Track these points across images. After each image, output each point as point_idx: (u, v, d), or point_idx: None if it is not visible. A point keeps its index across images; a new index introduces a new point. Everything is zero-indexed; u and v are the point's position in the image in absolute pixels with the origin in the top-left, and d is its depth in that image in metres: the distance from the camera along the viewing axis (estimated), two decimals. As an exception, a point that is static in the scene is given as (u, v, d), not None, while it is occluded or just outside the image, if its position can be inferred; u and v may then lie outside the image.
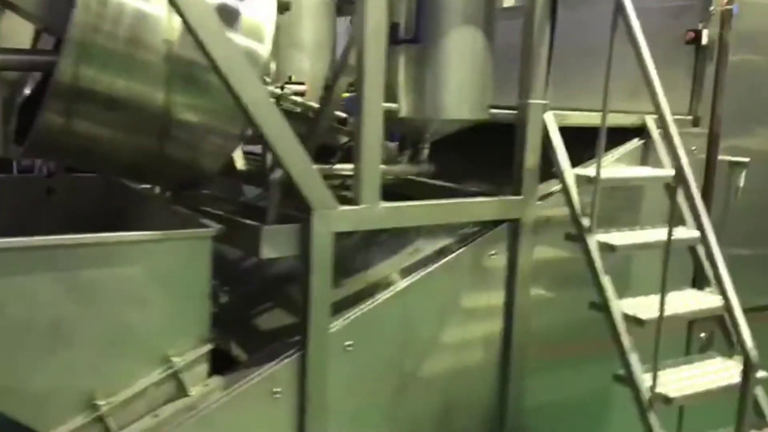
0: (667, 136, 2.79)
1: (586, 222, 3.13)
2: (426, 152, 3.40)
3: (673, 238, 2.86)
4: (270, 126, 2.61)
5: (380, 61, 2.78)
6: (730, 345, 3.34)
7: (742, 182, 3.95)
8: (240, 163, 4.17)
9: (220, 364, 2.95)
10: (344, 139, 3.98)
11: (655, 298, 3.20)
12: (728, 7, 3.80)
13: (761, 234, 4.22)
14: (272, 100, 3.36)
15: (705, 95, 3.91)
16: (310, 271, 2.77)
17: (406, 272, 3.19)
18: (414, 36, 3.03)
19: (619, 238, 3.15)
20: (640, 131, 3.71)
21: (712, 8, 3.82)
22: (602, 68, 4.32)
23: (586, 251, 3.10)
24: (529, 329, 3.38)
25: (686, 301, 3.21)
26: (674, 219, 2.77)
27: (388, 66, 3.14)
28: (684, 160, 2.72)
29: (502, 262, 3.31)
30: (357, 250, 3.60)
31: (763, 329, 4.27)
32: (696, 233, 3.36)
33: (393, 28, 3.05)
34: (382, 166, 3.13)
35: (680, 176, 2.71)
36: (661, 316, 2.82)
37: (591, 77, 4.41)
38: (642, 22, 4.23)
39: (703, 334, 4.15)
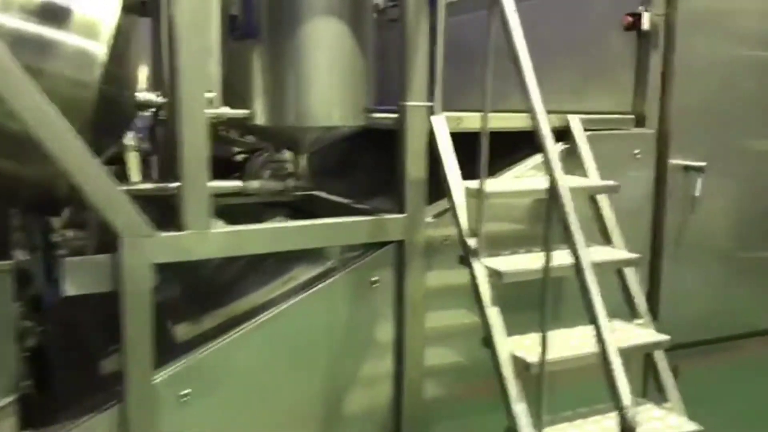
0: (540, 144, 2.26)
1: (472, 243, 2.63)
2: (301, 165, 2.96)
3: (563, 264, 2.32)
4: (53, 137, 2.22)
5: (198, 58, 2.37)
6: (660, 389, 2.78)
7: (698, 190, 3.34)
8: (135, 175, 3.83)
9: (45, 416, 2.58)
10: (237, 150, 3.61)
11: (569, 332, 2.70)
12: (670, -15, 3.24)
13: (726, 251, 3.60)
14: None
15: (651, 89, 3.34)
16: (123, 312, 2.36)
17: (270, 304, 2.75)
18: (249, 30, 2.59)
19: (510, 262, 2.63)
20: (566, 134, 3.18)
21: (654, -13, 3.26)
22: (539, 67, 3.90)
23: (472, 277, 2.60)
24: (423, 368, 2.89)
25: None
26: (549, 240, 2.24)
27: (238, 65, 2.75)
28: (558, 173, 2.19)
29: (387, 290, 2.83)
30: (230, 276, 3.19)
31: (741, 362, 3.70)
32: (615, 254, 2.84)
33: (232, 20, 2.63)
34: (226, 183, 2.72)
35: (552, 191, 2.19)
36: (543, 360, 2.29)
37: (549, 76, 3.94)
38: (578, 7, 3.75)
39: (663, 368, 3.57)
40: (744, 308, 3.69)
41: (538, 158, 3.13)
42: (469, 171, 2.78)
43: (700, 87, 3.38)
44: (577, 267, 2.10)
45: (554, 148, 2.24)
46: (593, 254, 2.80)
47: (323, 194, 3.47)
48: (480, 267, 2.59)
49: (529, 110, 2.29)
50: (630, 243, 3.30)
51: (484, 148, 2.57)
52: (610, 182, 2.94)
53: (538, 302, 3.05)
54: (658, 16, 3.26)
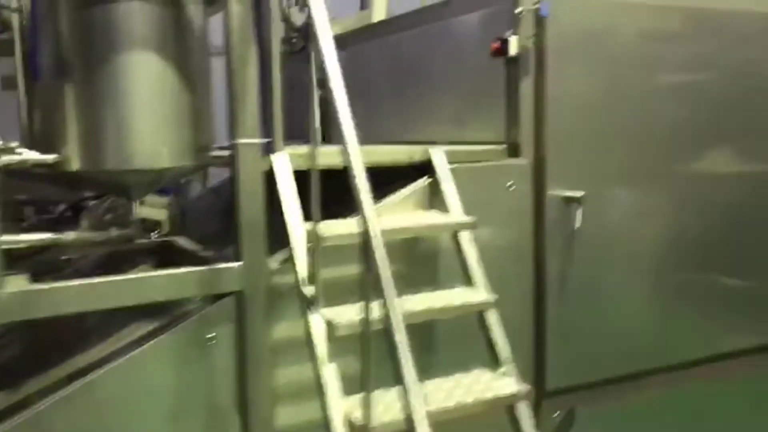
0: (352, 183, 2.03)
1: (309, 292, 2.39)
2: (132, 212, 2.71)
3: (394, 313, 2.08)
4: None
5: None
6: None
7: (578, 221, 3.14)
8: None
9: None
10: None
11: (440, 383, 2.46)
12: (534, 6, 3.06)
13: (619, 283, 3.38)
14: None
15: (525, 118, 3.15)
16: None
17: (93, 367, 2.48)
18: (36, 70, 2.36)
19: (355, 311, 2.38)
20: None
21: (519, 10, 3.08)
22: (435, 97, 3.74)
23: (307, 330, 2.35)
24: (273, 430, 2.62)
25: (454, 390, 2.42)
26: (369, 290, 2.00)
27: (47, 107, 2.50)
28: (370, 215, 1.96)
29: (226, 346, 2.57)
30: (73, 331, 2.90)
31: (643, 401, 3.47)
32: (471, 297, 2.61)
33: (30, 58, 2.40)
34: (26, 237, 2.46)
35: (365, 237, 1.96)
36: (367, 425, 2.04)
37: (432, 106, 3.79)
38: (453, 34, 3.59)
39: (557, 414, 3.34)
40: (643, 344, 3.47)
41: (402, 193, 2.93)
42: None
43: (578, 113, 3.19)
44: (386, 321, 1.86)
45: (367, 188, 2.01)
46: (451, 298, 2.61)
47: (182, 241, 3.24)
48: (315, 318, 2.35)
49: (342, 146, 2.07)
50: (510, 281, 3.11)
51: (314, 187, 2.34)
52: (467, 218, 2.73)
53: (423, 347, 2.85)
54: (527, 39, 3.08)
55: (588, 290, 3.29)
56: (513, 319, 3.09)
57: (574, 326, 3.27)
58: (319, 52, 2.17)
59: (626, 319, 3.42)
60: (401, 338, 1.83)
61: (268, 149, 2.63)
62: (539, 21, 3.09)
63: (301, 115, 5.00)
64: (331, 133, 4.87)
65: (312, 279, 2.41)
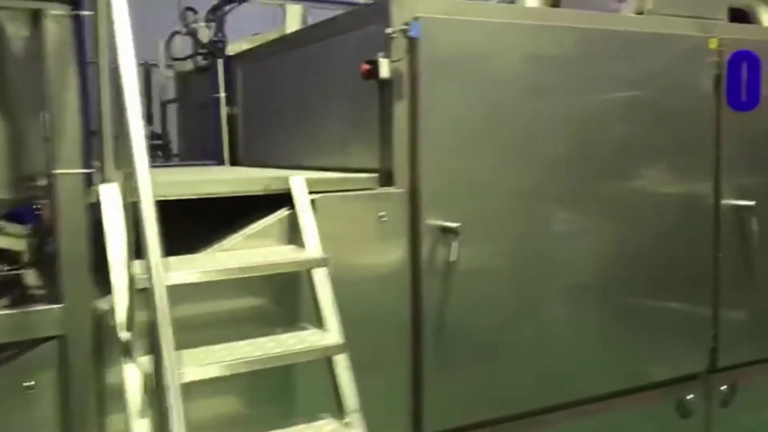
0: (139, 219, 1.82)
1: (125, 337, 2.18)
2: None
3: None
4: None
5: None
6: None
7: (454, 254, 2.96)
8: None
9: None
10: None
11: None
12: (404, 27, 2.90)
13: (503, 318, 3.20)
14: None
15: (399, 144, 2.98)
16: None
17: None
18: None
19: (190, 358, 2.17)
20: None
21: (389, 31, 2.92)
22: (322, 121, 3.58)
23: (121, 380, 2.14)
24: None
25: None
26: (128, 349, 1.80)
27: None
28: (156, 267, 1.75)
29: (46, 395, 2.35)
30: None
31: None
32: (318, 341, 2.42)
33: None
34: None
35: (150, 283, 1.75)
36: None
37: (319, 131, 3.62)
38: (331, 55, 3.43)
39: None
40: (535, 380, 3.29)
41: (258, 225, 2.74)
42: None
43: (457, 138, 3.01)
44: (164, 377, 1.66)
45: (154, 227, 1.81)
46: (296, 341, 2.42)
47: (30, 276, 3.00)
48: (129, 368, 2.14)
49: (133, 177, 1.87)
50: (385, 317, 2.93)
51: (127, 222, 2.14)
52: (318, 255, 2.54)
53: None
54: (395, 62, 2.91)
55: (470, 325, 3.09)
56: (388, 357, 2.93)
57: (456, 363, 3.08)
58: (116, 65, 1.96)
59: (515, 355, 3.23)
60: (176, 398, 1.63)
61: (95, 179, 2.43)
62: (411, 42, 2.92)
63: (207, 134, 4.79)
64: (237, 154, 4.72)
65: (130, 323, 2.20)
